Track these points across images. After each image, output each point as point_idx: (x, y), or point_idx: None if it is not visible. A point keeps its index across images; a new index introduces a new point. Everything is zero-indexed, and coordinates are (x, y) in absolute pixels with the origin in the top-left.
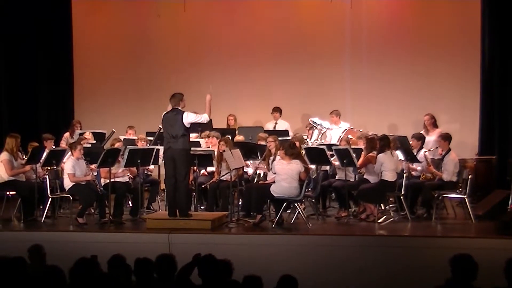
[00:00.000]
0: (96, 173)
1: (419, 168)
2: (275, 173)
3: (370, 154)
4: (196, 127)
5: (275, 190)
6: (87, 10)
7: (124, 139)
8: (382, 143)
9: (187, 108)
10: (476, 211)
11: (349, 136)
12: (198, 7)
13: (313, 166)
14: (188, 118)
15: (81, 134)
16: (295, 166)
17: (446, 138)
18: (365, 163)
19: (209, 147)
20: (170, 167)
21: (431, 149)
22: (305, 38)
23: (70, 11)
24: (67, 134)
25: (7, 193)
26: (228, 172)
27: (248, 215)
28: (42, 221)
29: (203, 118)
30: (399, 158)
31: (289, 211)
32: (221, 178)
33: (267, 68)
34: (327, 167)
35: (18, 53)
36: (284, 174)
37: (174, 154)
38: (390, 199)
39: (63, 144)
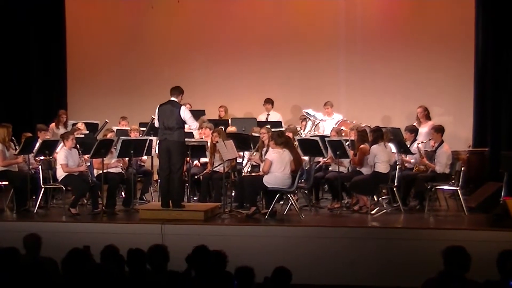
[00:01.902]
0: (89, 164)
1: (412, 160)
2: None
3: (362, 145)
4: None
5: (269, 181)
6: (80, 1)
7: (117, 129)
8: (375, 135)
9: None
10: (468, 203)
11: (342, 127)
12: None
13: (306, 158)
14: (185, 114)
15: (74, 124)
16: (287, 153)
17: (439, 130)
18: (360, 158)
19: (202, 138)
20: (164, 158)
21: (424, 141)
22: (298, 30)
23: (64, 1)
24: (52, 125)
25: (0, 183)
26: (221, 163)
27: (241, 206)
28: (35, 211)
29: (194, 125)
30: (392, 150)
31: (282, 202)
32: (214, 169)
33: (260, 60)
34: (320, 159)
35: (11, 43)
36: (279, 162)
37: (169, 145)
38: (383, 190)
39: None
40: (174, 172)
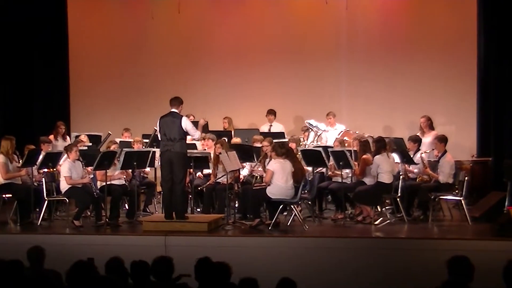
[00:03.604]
0: (92, 176)
1: (415, 170)
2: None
3: (364, 156)
4: None
5: (272, 192)
6: (82, 12)
7: (120, 141)
8: (378, 145)
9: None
10: (472, 213)
11: (345, 138)
12: (192, 9)
13: (309, 168)
14: (186, 124)
15: (76, 136)
16: (289, 164)
17: (442, 140)
18: (362, 168)
19: (205, 149)
20: (167, 170)
21: (427, 151)
22: (300, 40)
23: (66, 12)
24: (51, 137)
25: (3, 195)
26: (224, 175)
27: (245, 218)
28: (39, 223)
29: (196, 134)
30: (395, 161)
31: (285, 213)
32: (217, 181)
33: (261, 70)
34: (324, 169)
35: (13, 55)
36: (281, 172)
37: (171, 157)
38: (387, 201)
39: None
40: (176, 183)
